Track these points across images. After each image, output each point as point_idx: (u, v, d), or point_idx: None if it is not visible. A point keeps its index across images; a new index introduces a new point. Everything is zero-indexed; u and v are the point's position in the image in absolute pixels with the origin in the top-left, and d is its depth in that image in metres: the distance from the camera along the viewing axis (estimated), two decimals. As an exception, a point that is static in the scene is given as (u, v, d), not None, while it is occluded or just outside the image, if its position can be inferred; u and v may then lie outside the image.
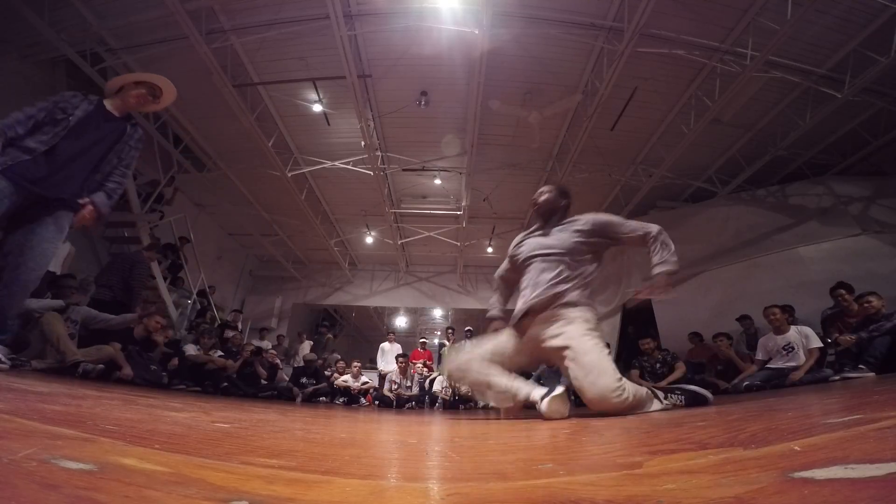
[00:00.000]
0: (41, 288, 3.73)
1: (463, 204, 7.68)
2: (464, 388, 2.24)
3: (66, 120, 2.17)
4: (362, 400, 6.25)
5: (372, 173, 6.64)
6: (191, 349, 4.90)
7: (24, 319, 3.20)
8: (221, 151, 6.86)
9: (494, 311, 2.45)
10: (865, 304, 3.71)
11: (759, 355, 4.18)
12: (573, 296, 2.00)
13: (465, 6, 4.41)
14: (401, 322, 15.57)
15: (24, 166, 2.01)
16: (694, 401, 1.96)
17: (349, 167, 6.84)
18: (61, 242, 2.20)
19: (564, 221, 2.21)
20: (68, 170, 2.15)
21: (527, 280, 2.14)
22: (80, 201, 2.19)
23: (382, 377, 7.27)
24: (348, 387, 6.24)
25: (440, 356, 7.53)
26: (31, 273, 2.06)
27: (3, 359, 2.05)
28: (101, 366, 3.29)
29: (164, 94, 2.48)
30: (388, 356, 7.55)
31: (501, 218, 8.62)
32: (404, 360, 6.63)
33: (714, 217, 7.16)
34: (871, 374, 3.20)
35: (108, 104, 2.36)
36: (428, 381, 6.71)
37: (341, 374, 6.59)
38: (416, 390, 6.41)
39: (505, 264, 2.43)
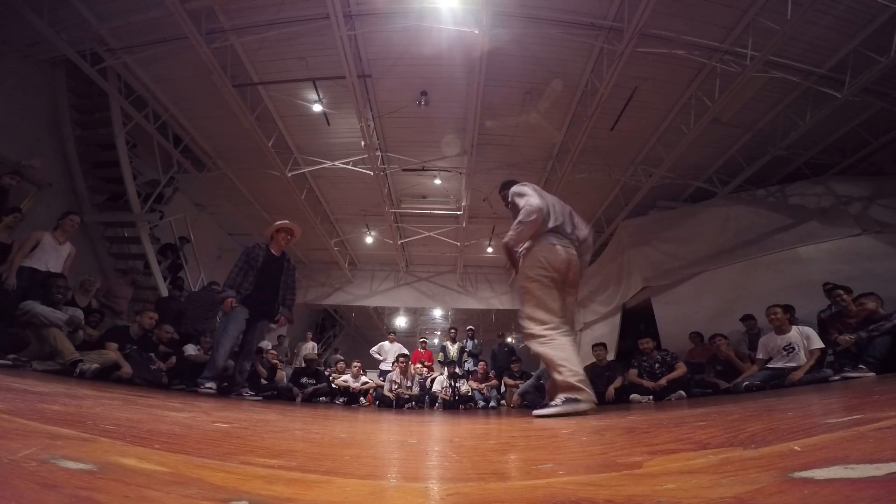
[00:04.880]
0: (34, 287, 3.76)
1: (463, 204, 7.67)
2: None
3: (257, 266, 3.76)
4: (362, 400, 6.25)
5: (372, 173, 6.64)
6: (190, 349, 4.89)
7: (25, 322, 3.21)
8: (221, 151, 6.85)
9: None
10: (860, 306, 3.72)
11: (760, 355, 4.18)
12: None
13: (465, 6, 4.41)
14: (401, 322, 15.57)
15: (247, 298, 3.67)
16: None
17: (349, 167, 6.83)
18: (263, 335, 4.20)
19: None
20: (259, 296, 3.74)
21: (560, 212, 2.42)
22: (276, 317, 3.91)
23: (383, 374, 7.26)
24: (348, 387, 6.23)
25: (444, 356, 7.52)
26: (252, 348, 3.92)
27: (249, 393, 3.83)
28: (96, 365, 3.29)
29: (295, 232, 4.06)
30: (388, 356, 7.54)
31: (501, 218, 8.61)
32: (405, 359, 6.62)
33: (714, 217, 7.15)
34: (871, 374, 3.20)
35: (272, 249, 3.93)
36: (428, 381, 6.71)
37: (341, 373, 6.58)
38: (416, 390, 6.41)
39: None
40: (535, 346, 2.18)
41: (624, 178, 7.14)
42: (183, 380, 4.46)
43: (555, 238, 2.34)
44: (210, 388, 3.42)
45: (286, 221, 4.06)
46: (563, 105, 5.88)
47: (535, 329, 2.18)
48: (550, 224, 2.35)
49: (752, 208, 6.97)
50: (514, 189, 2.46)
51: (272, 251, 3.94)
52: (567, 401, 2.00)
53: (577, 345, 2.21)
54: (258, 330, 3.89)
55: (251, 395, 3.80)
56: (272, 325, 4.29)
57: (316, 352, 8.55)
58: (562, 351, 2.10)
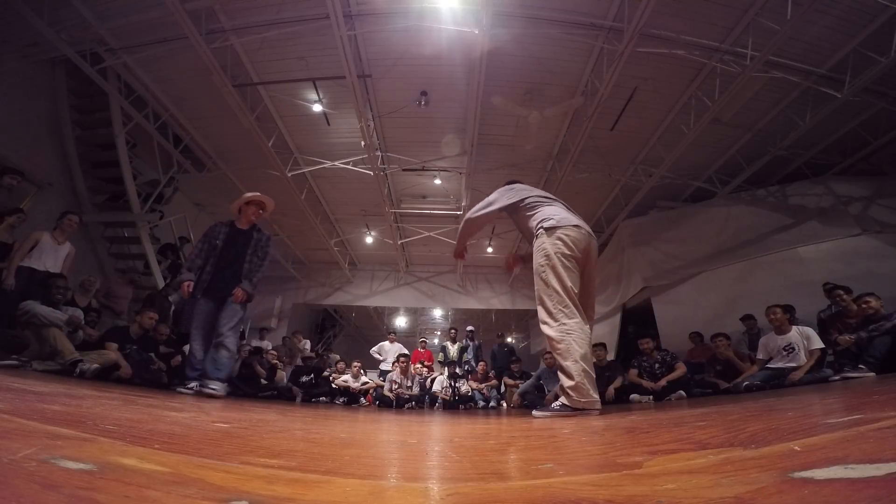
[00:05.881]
0: (33, 287, 3.77)
1: (463, 204, 7.67)
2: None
3: (216, 246, 3.44)
4: (362, 400, 6.25)
5: (372, 173, 6.64)
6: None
7: (24, 322, 3.21)
8: (221, 151, 6.85)
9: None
10: (864, 305, 3.71)
11: (760, 355, 4.18)
12: None
13: (465, 6, 4.41)
14: (401, 322, 15.57)
15: (209, 282, 3.36)
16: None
17: (349, 167, 6.83)
18: (237, 315, 3.35)
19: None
20: (226, 275, 3.40)
21: (552, 203, 2.44)
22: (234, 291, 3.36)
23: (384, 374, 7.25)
24: (348, 387, 6.23)
25: (444, 356, 7.51)
26: (222, 331, 3.28)
27: (212, 387, 3.08)
28: (96, 365, 3.29)
29: (267, 205, 3.72)
30: (388, 356, 7.54)
31: (501, 218, 8.58)
32: (405, 359, 6.62)
33: (714, 217, 7.15)
34: (871, 374, 3.20)
35: (238, 224, 3.60)
36: (428, 381, 6.71)
37: (341, 373, 6.59)
38: (416, 390, 6.41)
39: (499, 208, 2.54)
40: (555, 352, 2.07)
41: (624, 178, 7.14)
42: (183, 380, 4.46)
43: (575, 218, 2.31)
44: (191, 389, 3.13)
45: (256, 193, 3.71)
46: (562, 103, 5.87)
47: (553, 326, 2.06)
48: (557, 199, 2.39)
49: (752, 208, 6.97)
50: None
51: (238, 226, 3.60)
52: (568, 406, 1.96)
53: (591, 341, 2.12)
54: (228, 311, 3.31)
55: (213, 389, 3.05)
56: (271, 327, 4.15)
57: (310, 349, 8.56)
58: (578, 349, 1.99)
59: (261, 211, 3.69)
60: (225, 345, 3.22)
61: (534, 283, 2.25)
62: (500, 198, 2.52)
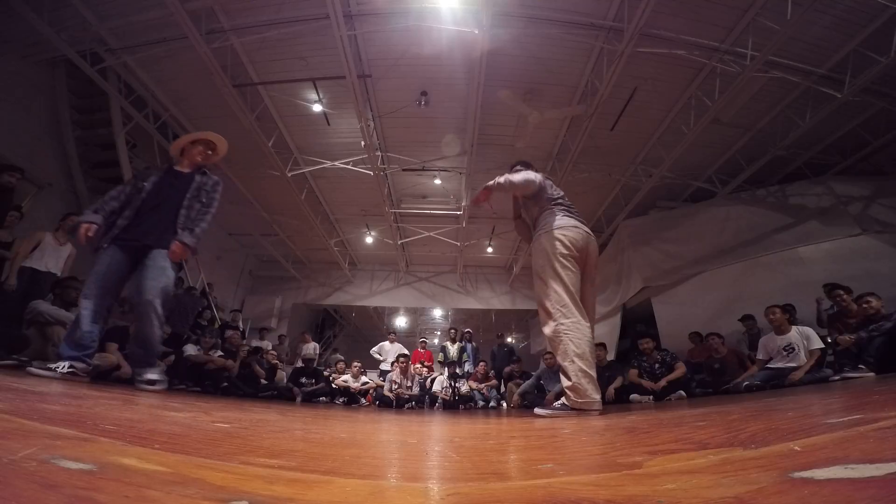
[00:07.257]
0: (35, 287, 3.75)
1: (463, 204, 7.68)
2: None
3: (142, 188, 2.69)
4: (362, 400, 6.25)
5: (372, 173, 6.64)
6: (191, 349, 4.90)
7: (30, 320, 3.20)
8: (221, 151, 6.84)
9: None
10: (864, 305, 3.71)
11: (760, 355, 4.18)
12: None
13: (465, 6, 4.41)
14: (401, 322, 15.57)
15: (123, 233, 2.56)
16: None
17: (349, 167, 6.84)
18: (167, 274, 2.54)
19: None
20: (148, 220, 2.62)
21: (557, 208, 2.38)
22: (171, 244, 2.56)
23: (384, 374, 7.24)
24: (348, 387, 6.23)
25: (444, 356, 7.50)
26: (156, 297, 2.47)
27: (145, 379, 2.42)
28: (96, 363, 3.29)
29: (218, 146, 2.95)
30: (388, 356, 7.54)
31: (501, 218, 8.58)
32: (405, 360, 6.62)
33: (714, 217, 7.16)
34: (871, 374, 3.20)
35: (177, 166, 2.84)
36: (428, 381, 6.71)
37: (341, 373, 6.59)
38: (416, 390, 6.41)
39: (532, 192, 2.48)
40: (554, 352, 2.08)
41: (624, 178, 7.14)
42: (183, 380, 4.47)
43: (575, 219, 2.31)
44: (55, 369, 2.24)
45: (205, 132, 2.97)
46: (563, 105, 5.88)
47: (551, 326, 2.08)
48: (563, 204, 2.38)
49: (752, 208, 6.97)
50: (522, 168, 2.70)
51: (178, 168, 2.83)
52: (567, 406, 1.97)
53: (592, 340, 2.12)
54: (153, 269, 2.48)
55: (148, 385, 2.40)
56: (271, 327, 3.98)
57: (317, 352, 8.54)
58: (574, 349, 1.99)
59: (209, 152, 2.91)
60: (149, 315, 2.43)
61: (533, 285, 2.26)
62: (540, 181, 2.47)
